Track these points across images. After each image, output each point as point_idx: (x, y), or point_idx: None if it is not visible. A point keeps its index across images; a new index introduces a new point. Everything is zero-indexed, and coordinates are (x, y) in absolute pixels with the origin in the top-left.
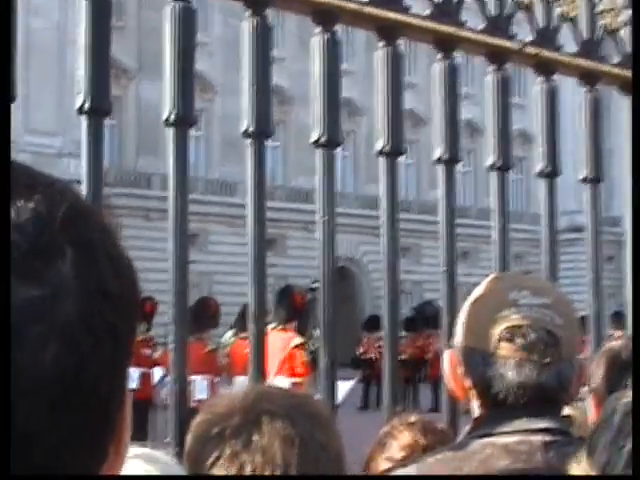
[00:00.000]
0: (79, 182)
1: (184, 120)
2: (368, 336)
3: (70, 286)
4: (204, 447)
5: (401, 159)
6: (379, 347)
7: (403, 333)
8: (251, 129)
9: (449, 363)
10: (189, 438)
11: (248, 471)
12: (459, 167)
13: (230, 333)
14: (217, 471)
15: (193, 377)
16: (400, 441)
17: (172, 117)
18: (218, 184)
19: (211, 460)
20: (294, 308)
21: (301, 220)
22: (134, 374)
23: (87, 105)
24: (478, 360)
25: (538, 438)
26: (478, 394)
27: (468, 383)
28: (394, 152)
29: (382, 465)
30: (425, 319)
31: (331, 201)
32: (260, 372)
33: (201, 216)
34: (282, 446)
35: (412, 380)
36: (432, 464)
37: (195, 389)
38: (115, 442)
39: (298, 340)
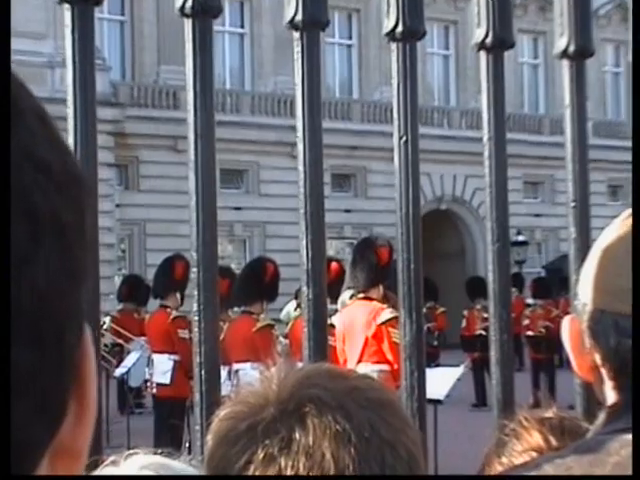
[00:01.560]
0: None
1: (205, 8)
2: (471, 305)
3: None
4: (230, 449)
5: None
6: (486, 319)
7: (530, 300)
8: (299, 17)
9: (570, 333)
10: (210, 438)
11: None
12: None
13: (292, 305)
14: None
15: (238, 365)
16: (525, 442)
17: (188, 4)
18: (270, 100)
19: (240, 464)
20: (378, 267)
21: (387, 147)
22: (164, 364)
23: None
24: (609, 326)
25: None
26: (612, 373)
27: (598, 358)
28: (498, 45)
29: (498, 471)
30: (562, 281)
31: (414, 114)
32: (323, 357)
33: (248, 144)
34: (333, 445)
35: (546, 365)
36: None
37: (240, 380)
38: (76, 392)
39: (388, 313)
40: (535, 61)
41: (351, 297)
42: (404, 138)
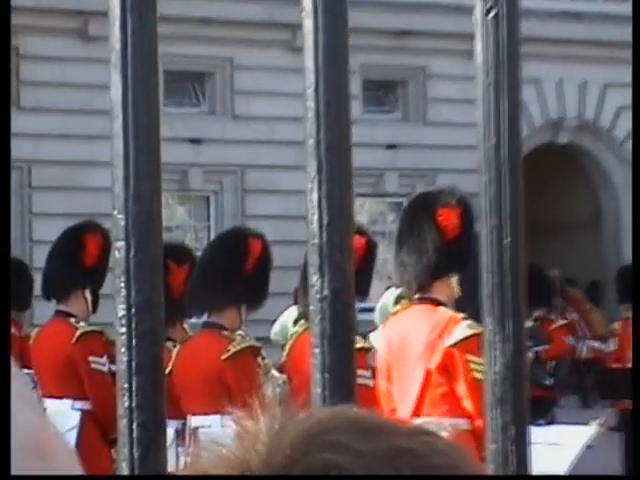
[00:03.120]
0: None
1: None
2: (627, 313)
3: None
4: None
5: None
6: None
7: None
8: None
9: None
10: None
11: None
12: None
13: (290, 315)
14: None
15: (198, 420)
16: None
17: None
18: None
19: None
20: (445, 245)
21: (461, 32)
22: (65, 416)
23: None
24: None
25: None
26: None
27: None
28: None
29: None
30: None
31: None
32: (347, 398)
33: (217, 27)
34: None
35: None
36: None
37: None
38: None
39: (467, 328)
40: None
41: (398, 300)
42: (493, 11)
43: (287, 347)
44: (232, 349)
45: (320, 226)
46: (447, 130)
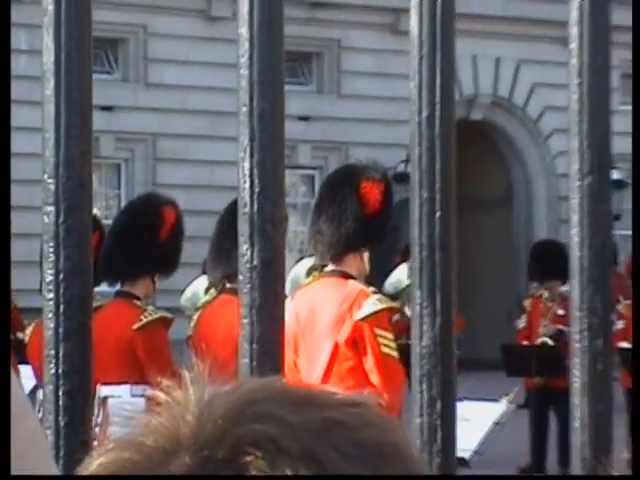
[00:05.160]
0: None
1: None
2: (539, 292)
3: None
4: None
5: None
6: (566, 318)
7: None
8: None
9: None
10: None
11: None
12: None
13: (200, 284)
14: None
15: (108, 390)
16: None
17: None
18: None
19: None
20: (363, 218)
21: (375, 4)
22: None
23: None
24: None
25: None
26: None
27: None
28: None
29: None
30: None
31: None
32: (275, 370)
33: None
34: None
35: None
36: None
37: (109, 416)
38: None
39: (377, 302)
40: None
41: (310, 272)
42: None
43: (195, 318)
44: (144, 319)
45: (251, 195)
46: (361, 103)
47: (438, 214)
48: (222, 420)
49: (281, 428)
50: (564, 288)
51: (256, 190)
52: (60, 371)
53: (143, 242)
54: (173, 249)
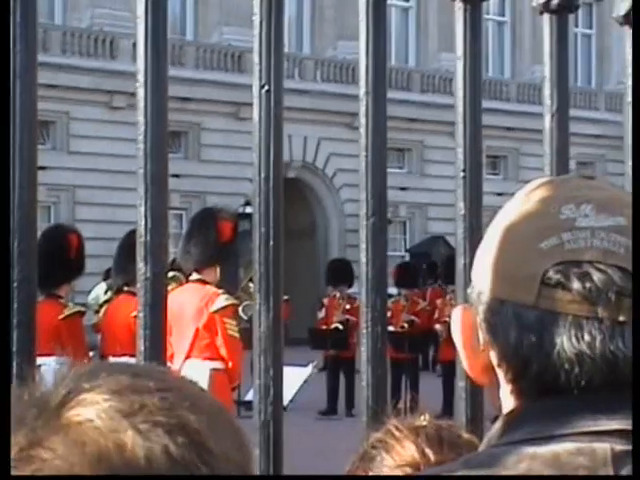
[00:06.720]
0: None
1: None
2: (333, 293)
3: None
4: None
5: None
6: (350, 310)
7: (393, 290)
8: None
9: (462, 326)
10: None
11: None
12: None
13: (100, 288)
14: None
15: (42, 360)
16: (397, 455)
17: None
18: (215, 53)
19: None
20: (218, 244)
21: (224, 101)
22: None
23: None
24: (509, 319)
25: (605, 446)
26: (510, 375)
27: (494, 357)
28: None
29: None
30: (431, 267)
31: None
32: (159, 349)
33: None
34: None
35: (410, 366)
36: None
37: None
38: None
39: (224, 300)
40: None
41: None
42: (266, 87)
43: (102, 310)
44: (66, 312)
45: (145, 228)
46: (215, 166)
47: (272, 242)
48: (63, 383)
49: (97, 412)
50: (350, 290)
51: (149, 226)
52: (14, 349)
53: (59, 259)
54: (80, 262)
